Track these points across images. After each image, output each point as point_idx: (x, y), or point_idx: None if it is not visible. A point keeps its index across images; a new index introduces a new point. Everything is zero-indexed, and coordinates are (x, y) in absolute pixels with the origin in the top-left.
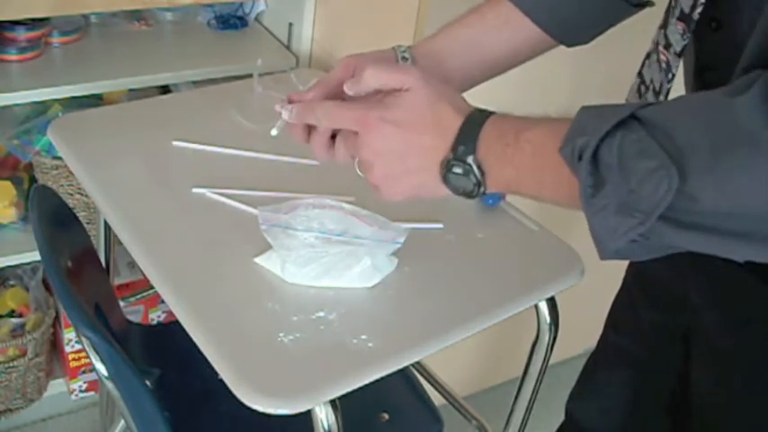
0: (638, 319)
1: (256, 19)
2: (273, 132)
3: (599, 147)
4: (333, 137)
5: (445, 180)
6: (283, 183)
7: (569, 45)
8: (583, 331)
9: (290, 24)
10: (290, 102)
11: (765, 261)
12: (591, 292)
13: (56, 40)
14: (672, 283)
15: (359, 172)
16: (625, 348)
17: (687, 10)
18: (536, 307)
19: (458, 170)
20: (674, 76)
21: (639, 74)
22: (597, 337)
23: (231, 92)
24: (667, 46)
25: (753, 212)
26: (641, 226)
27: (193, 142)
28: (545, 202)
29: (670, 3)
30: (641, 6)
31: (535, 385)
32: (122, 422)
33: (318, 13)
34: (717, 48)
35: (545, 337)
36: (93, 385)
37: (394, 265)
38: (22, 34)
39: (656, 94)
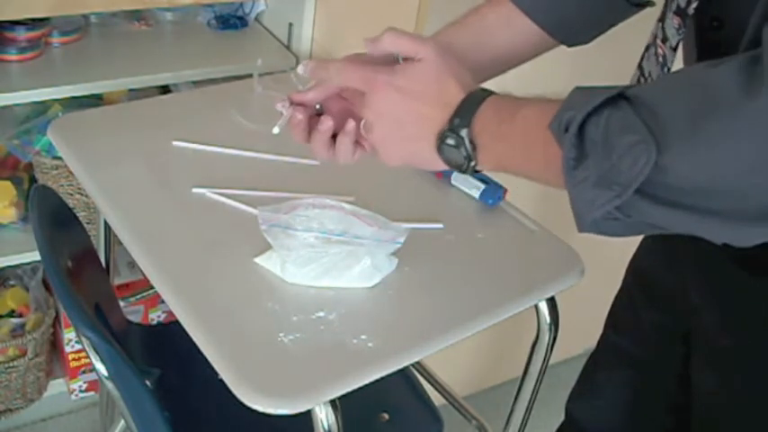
0: (638, 319)
1: (256, 19)
2: (275, 130)
3: (585, 122)
4: (334, 137)
5: (439, 150)
6: (283, 183)
7: (570, 45)
8: (583, 331)
9: (290, 24)
10: (291, 102)
11: (742, 244)
12: (591, 292)
13: (56, 40)
14: (672, 283)
15: (362, 131)
16: (625, 349)
17: (683, 5)
18: (536, 307)
19: (450, 141)
20: (669, 69)
21: (639, 66)
22: (597, 337)
23: (231, 92)
24: (664, 39)
25: (730, 186)
26: (618, 198)
27: (193, 142)
28: (534, 180)
29: None
30: (641, 6)
31: (535, 385)
32: (122, 422)
33: (318, 13)
34: (718, 47)
35: (545, 337)
36: (93, 385)
37: (394, 265)
38: (22, 34)
39: None
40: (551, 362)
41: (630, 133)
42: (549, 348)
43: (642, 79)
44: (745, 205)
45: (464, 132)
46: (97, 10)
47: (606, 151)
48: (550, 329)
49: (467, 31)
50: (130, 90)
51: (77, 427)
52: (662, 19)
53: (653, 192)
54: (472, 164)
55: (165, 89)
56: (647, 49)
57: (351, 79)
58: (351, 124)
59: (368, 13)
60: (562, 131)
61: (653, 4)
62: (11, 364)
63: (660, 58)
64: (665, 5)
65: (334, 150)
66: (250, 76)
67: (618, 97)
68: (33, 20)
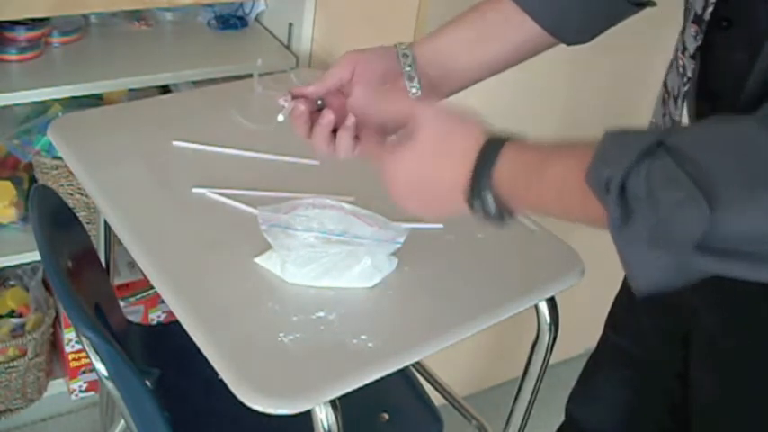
0: (638, 320)
1: (256, 19)
2: (280, 118)
3: (626, 178)
4: (334, 131)
5: (471, 208)
6: (283, 183)
7: (569, 44)
8: (583, 331)
9: (290, 24)
10: (293, 96)
11: None
12: (591, 292)
13: (56, 40)
14: None
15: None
16: (625, 349)
17: (699, 11)
18: (536, 307)
19: (477, 204)
20: (689, 79)
21: (664, 83)
22: (597, 338)
23: (231, 92)
24: (684, 50)
25: None
26: (674, 257)
27: (193, 142)
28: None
29: (685, 7)
30: (642, 6)
31: (535, 385)
32: (122, 422)
33: (318, 13)
34: (727, 47)
35: (545, 337)
36: (93, 385)
37: (394, 265)
38: (22, 34)
39: (675, 99)
40: (551, 362)
41: (676, 188)
42: (549, 348)
43: (667, 96)
44: None
45: (488, 195)
46: (97, 10)
47: (652, 207)
48: (550, 329)
49: (467, 30)
50: (130, 90)
51: (77, 427)
52: (682, 31)
53: (708, 244)
54: (506, 216)
55: (165, 89)
56: (670, 65)
57: (370, 154)
58: (351, 119)
59: (368, 13)
60: (603, 191)
61: (654, 4)
62: (11, 364)
63: (681, 69)
64: (684, 18)
65: (334, 145)
66: (250, 76)
67: (655, 146)
68: (33, 20)
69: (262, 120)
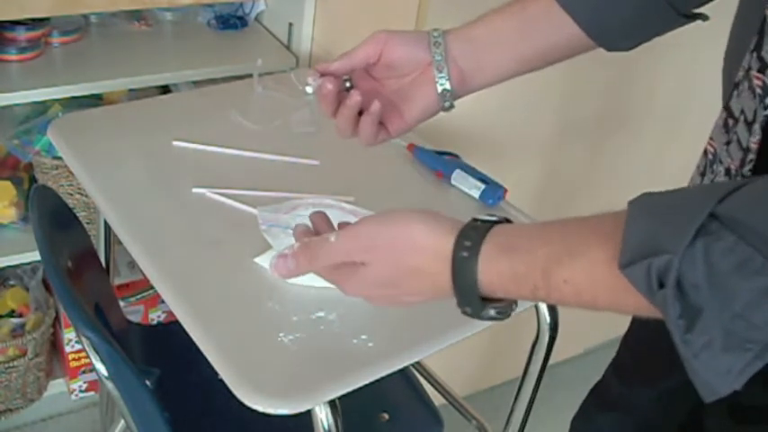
0: (645, 377)
1: (256, 19)
2: (308, 89)
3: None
4: (360, 113)
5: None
6: (283, 183)
7: (609, 49)
8: (583, 331)
9: (290, 24)
10: (321, 74)
11: None
12: None
13: (56, 40)
14: None
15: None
16: (630, 400)
17: None
18: (536, 307)
19: (468, 310)
20: None
21: (726, 107)
22: (597, 338)
23: (231, 92)
24: (763, 69)
25: None
26: (759, 361)
27: (193, 142)
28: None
29: (764, 22)
30: (691, 18)
31: (535, 385)
32: (122, 422)
33: (318, 13)
34: None
35: (545, 337)
36: (93, 385)
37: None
38: (22, 34)
39: (749, 124)
40: (551, 362)
41: (753, 273)
42: (549, 348)
43: (731, 121)
44: None
45: (488, 313)
46: (97, 10)
47: (722, 299)
48: (550, 329)
49: (506, 22)
50: (130, 90)
51: (77, 427)
52: (756, 49)
53: None
54: (512, 312)
55: (165, 89)
56: (735, 87)
57: (335, 280)
58: (376, 105)
59: (368, 13)
60: (654, 285)
61: (706, 18)
62: (11, 364)
63: (759, 90)
64: (759, 35)
65: (357, 129)
66: (250, 76)
67: (708, 220)
68: (33, 20)
69: (262, 120)
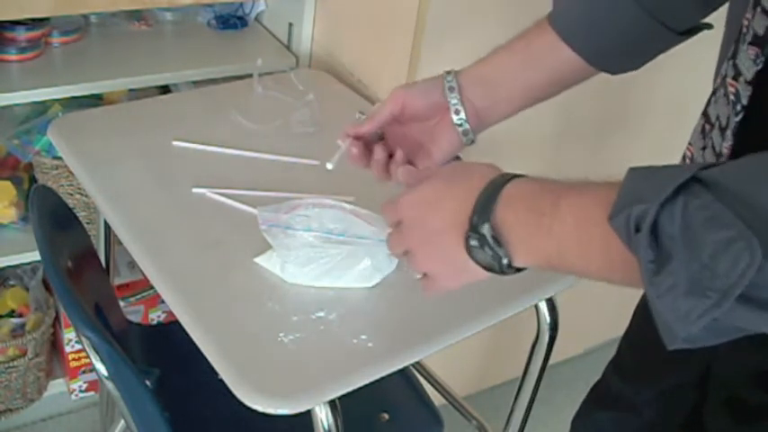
0: (646, 374)
1: (256, 19)
2: (329, 166)
3: (659, 215)
4: (391, 156)
5: (470, 255)
6: (283, 183)
7: (614, 73)
8: (583, 331)
9: (290, 24)
10: (348, 136)
11: None
12: (591, 292)
13: (56, 40)
14: None
15: (410, 270)
16: (630, 399)
17: (761, 32)
18: (536, 307)
19: (474, 242)
20: (743, 107)
21: (704, 113)
22: (597, 338)
23: (231, 92)
24: (736, 76)
25: None
26: (717, 308)
27: (193, 142)
28: (593, 279)
29: (740, 31)
30: (693, 33)
31: (535, 385)
32: (122, 422)
33: (318, 13)
34: None
35: (545, 337)
36: (94, 385)
37: (394, 265)
38: (22, 34)
39: (722, 129)
40: (551, 362)
41: (721, 228)
42: (549, 348)
43: (707, 126)
44: None
45: (485, 229)
46: (97, 10)
47: (692, 249)
48: (550, 329)
49: (512, 58)
50: (130, 90)
51: (77, 427)
52: (732, 56)
53: (756, 295)
54: (504, 262)
55: (165, 89)
56: (712, 94)
57: (387, 214)
58: (399, 154)
59: (368, 14)
60: (632, 231)
61: (711, 27)
62: (11, 364)
63: (732, 97)
64: (736, 43)
65: (390, 174)
66: (250, 76)
67: (690, 181)
68: (33, 20)
69: (262, 120)
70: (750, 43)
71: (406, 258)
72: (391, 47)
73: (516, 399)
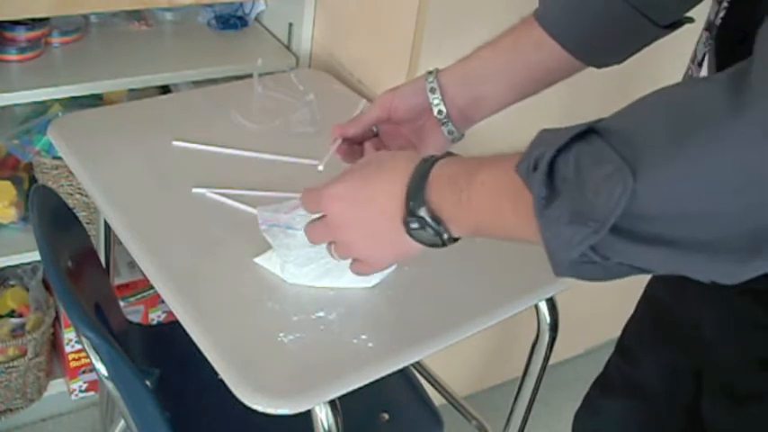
0: (649, 353)
1: (256, 19)
2: (320, 168)
3: (555, 160)
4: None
5: (411, 236)
6: (283, 183)
7: (599, 67)
8: (583, 331)
9: (290, 24)
10: (336, 137)
11: (732, 281)
12: (591, 292)
13: (56, 40)
14: (684, 317)
15: (336, 258)
16: (635, 379)
17: (712, 17)
18: (536, 307)
19: (414, 225)
20: None
21: None
22: (597, 337)
23: (231, 92)
24: (693, 59)
25: (718, 209)
26: (595, 235)
27: (193, 142)
28: (515, 240)
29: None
30: (675, 27)
31: (535, 385)
32: (122, 422)
33: (318, 13)
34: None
35: (545, 337)
36: (94, 385)
37: (394, 265)
38: (22, 34)
39: None
40: (551, 362)
41: (603, 164)
42: (549, 348)
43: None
44: (735, 232)
45: (423, 212)
46: (97, 10)
47: (579, 187)
48: (550, 329)
49: (499, 55)
50: (130, 90)
51: (77, 427)
52: (698, 41)
53: (631, 227)
54: (446, 237)
55: (165, 89)
56: (684, 76)
57: (307, 203)
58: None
59: (368, 13)
60: (530, 171)
61: (692, 21)
62: (11, 364)
63: (689, 78)
64: (697, 44)
65: None
66: (250, 76)
67: (588, 132)
68: (33, 20)
69: (262, 120)
70: (705, 28)
71: (332, 247)
72: (391, 47)
73: (516, 399)
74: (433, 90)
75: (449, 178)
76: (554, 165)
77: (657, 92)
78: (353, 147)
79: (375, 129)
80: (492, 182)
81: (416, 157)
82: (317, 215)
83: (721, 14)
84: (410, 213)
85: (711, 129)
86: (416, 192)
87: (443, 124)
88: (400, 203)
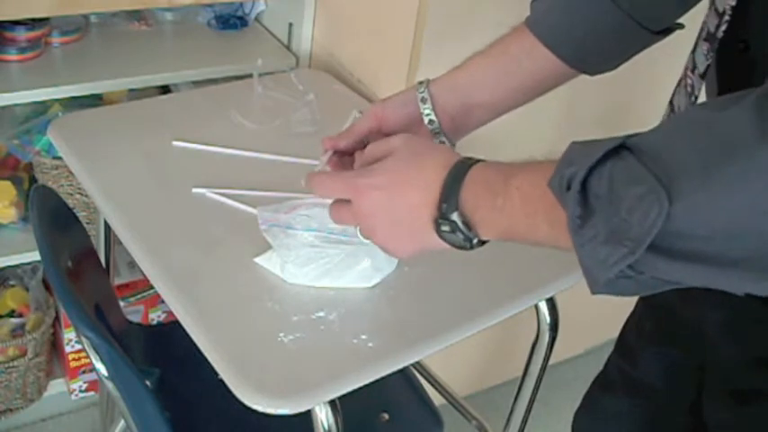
0: (650, 351)
1: (256, 19)
2: (318, 167)
3: (588, 177)
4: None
5: (440, 237)
6: (283, 183)
7: (592, 74)
8: (583, 331)
9: (290, 24)
10: (327, 149)
11: (766, 293)
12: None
13: (56, 40)
14: (686, 316)
15: (362, 238)
16: (635, 378)
17: (712, 29)
18: (536, 307)
19: (445, 228)
20: (696, 98)
21: (670, 102)
22: (597, 337)
23: (231, 92)
24: (693, 68)
25: (750, 230)
26: (631, 255)
27: (193, 142)
28: (543, 246)
29: (702, 26)
30: (667, 33)
31: (535, 385)
32: (122, 422)
33: (318, 13)
34: (743, 72)
35: (545, 337)
36: (94, 385)
37: (394, 265)
38: (22, 34)
39: None
40: (551, 362)
41: (637, 184)
42: (549, 348)
43: (673, 115)
44: (766, 251)
45: (455, 216)
46: (97, 10)
47: (613, 205)
48: (550, 329)
49: (491, 64)
50: (130, 90)
51: (77, 427)
52: (693, 50)
53: (667, 245)
54: (475, 241)
55: (165, 89)
56: (678, 84)
57: (333, 190)
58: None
59: (368, 14)
60: (564, 189)
61: (683, 27)
62: (11, 364)
63: (689, 88)
64: (698, 36)
65: None
66: (250, 76)
67: (620, 148)
68: (33, 20)
69: (262, 120)
70: (704, 39)
71: (358, 227)
72: (391, 47)
73: (516, 399)
74: (423, 100)
75: (485, 182)
76: (587, 182)
77: (687, 112)
78: (344, 158)
79: (366, 141)
80: (528, 187)
81: (454, 156)
82: (317, 215)
83: (723, 27)
84: (442, 216)
85: (743, 155)
86: (450, 195)
87: (435, 134)
88: (433, 204)
